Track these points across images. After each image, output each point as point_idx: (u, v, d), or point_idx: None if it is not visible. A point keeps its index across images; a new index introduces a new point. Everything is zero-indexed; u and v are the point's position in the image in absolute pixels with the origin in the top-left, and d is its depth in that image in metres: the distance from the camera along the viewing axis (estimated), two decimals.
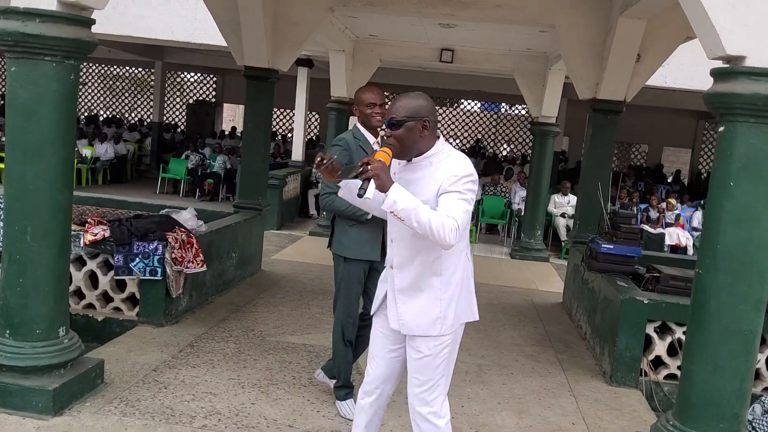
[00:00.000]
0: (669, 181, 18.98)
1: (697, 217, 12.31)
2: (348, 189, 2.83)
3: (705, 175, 20.87)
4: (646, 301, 4.89)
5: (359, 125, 3.95)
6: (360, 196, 2.53)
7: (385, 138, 2.76)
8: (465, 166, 2.69)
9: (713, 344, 3.31)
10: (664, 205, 12.01)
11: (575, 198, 12.73)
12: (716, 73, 3.27)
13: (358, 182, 2.59)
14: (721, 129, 3.29)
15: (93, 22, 3.69)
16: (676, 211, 12.13)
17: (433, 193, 2.66)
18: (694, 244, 11.66)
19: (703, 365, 3.36)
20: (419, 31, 9.62)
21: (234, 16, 6.86)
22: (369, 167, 2.52)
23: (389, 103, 2.80)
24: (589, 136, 7.06)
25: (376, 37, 10.69)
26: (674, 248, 11.47)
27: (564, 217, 12.43)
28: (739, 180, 3.19)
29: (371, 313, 3.03)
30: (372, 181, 2.52)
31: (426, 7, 6.87)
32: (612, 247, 5.59)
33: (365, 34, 10.51)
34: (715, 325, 3.30)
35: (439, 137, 2.80)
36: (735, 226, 3.22)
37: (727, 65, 3.25)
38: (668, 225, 12.01)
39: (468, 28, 8.82)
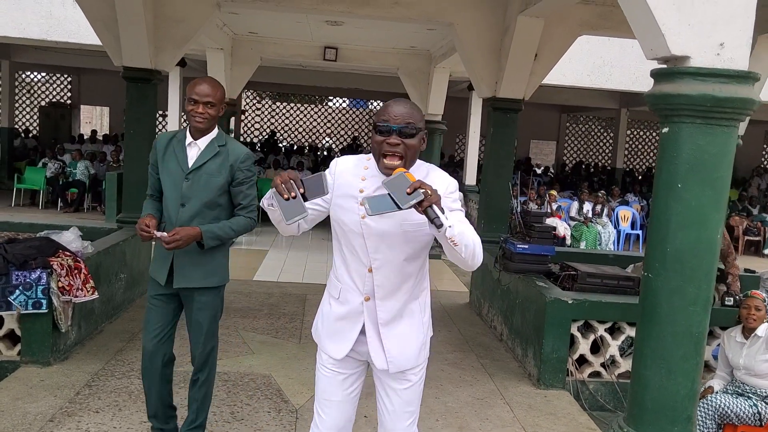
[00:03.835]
0: (539, 173, 19.77)
1: (574, 208, 12.86)
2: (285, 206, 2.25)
3: (569, 166, 21.98)
4: (570, 302, 4.87)
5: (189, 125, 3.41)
6: (440, 226, 2.10)
7: (392, 145, 2.33)
8: (451, 179, 2.46)
9: (666, 348, 3.27)
10: (539, 196, 12.37)
11: (461, 194, 12.95)
12: (660, 74, 3.22)
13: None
14: (665, 130, 3.24)
15: None
16: (557, 203, 12.58)
17: None
18: (572, 234, 12.18)
19: (656, 369, 3.31)
20: (304, 29, 9.29)
21: (109, 13, 6.21)
22: (428, 191, 2.11)
23: (386, 107, 2.39)
24: (490, 134, 7.04)
25: (257, 35, 10.25)
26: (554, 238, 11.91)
27: None
28: (686, 182, 3.16)
29: (338, 358, 2.53)
30: (435, 206, 2.12)
31: (321, 4, 6.56)
32: (527, 247, 5.56)
33: (245, 31, 10.04)
34: (667, 328, 3.26)
35: None
36: (684, 228, 3.18)
37: (669, 66, 3.20)
38: (548, 215, 12.46)
39: (356, 25, 8.61)
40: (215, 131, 3.35)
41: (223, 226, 3.32)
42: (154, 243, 3.42)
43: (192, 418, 3.50)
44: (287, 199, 2.16)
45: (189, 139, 3.32)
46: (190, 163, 3.31)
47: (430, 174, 2.45)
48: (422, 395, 2.65)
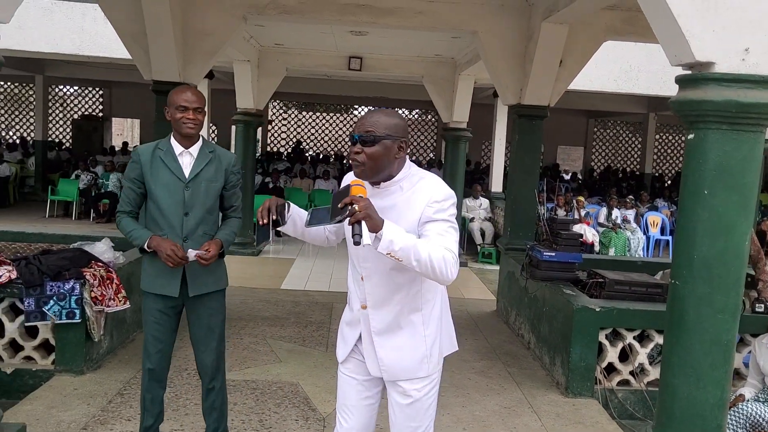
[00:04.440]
0: (567, 179, 19.62)
1: (603, 214, 12.74)
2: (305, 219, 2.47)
3: (597, 171, 21.79)
4: (598, 309, 4.84)
5: (172, 134, 3.40)
6: (357, 243, 2.17)
7: (353, 155, 2.40)
8: (443, 188, 2.40)
9: (695, 356, 3.24)
10: (574, 203, 12.28)
11: (487, 201, 12.92)
12: (684, 80, 3.20)
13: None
14: (690, 136, 3.22)
15: None
16: (585, 209, 12.47)
17: (412, 222, 2.36)
18: (600, 241, 12.06)
19: (684, 378, 3.28)
20: (328, 39, 9.36)
21: (139, 27, 6.32)
22: (356, 206, 2.16)
23: (360, 118, 2.46)
24: (515, 141, 7.03)
25: (282, 46, 10.35)
26: (582, 245, 11.80)
27: (473, 221, 12.51)
28: (713, 188, 3.13)
29: (339, 360, 2.66)
30: (364, 223, 2.18)
31: (346, 15, 6.62)
32: (554, 254, 5.53)
33: (271, 42, 10.14)
34: (695, 336, 3.23)
35: (407, 159, 2.50)
36: (711, 235, 3.15)
37: (694, 72, 3.19)
38: (575, 222, 12.35)
39: (380, 35, 8.66)
40: (200, 138, 3.41)
41: (229, 233, 3.43)
42: (145, 260, 3.43)
43: (215, 427, 3.56)
44: (262, 225, 2.38)
45: (179, 148, 3.34)
46: (186, 171, 3.33)
47: (419, 183, 2.42)
48: (447, 405, 2.65)
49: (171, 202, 3.32)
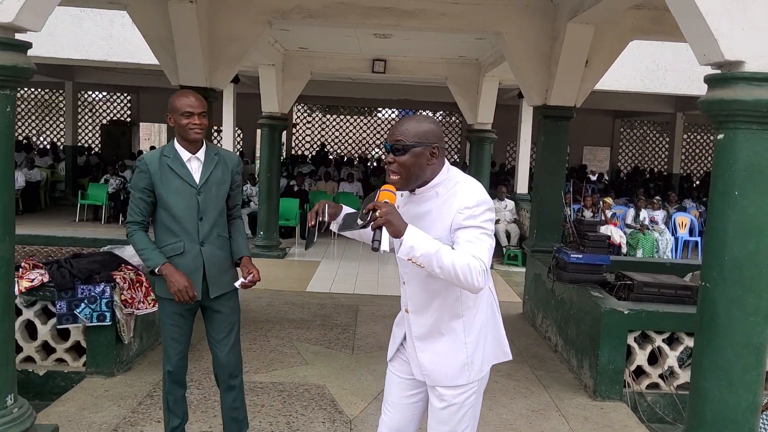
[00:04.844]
0: (593, 179, 19.45)
1: (630, 215, 12.60)
2: (346, 224, 2.53)
3: (624, 172, 21.58)
4: (626, 312, 4.79)
5: (176, 140, 3.39)
6: (375, 249, 2.20)
7: (386, 165, 2.44)
8: (477, 193, 2.38)
9: (726, 359, 3.20)
10: (601, 204, 12.18)
11: (512, 203, 12.85)
12: (713, 79, 3.16)
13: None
14: (720, 136, 3.18)
15: (29, 45, 3.25)
16: (612, 210, 12.35)
17: (445, 228, 2.36)
18: (627, 242, 11.93)
19: (715, 381, 3.24)
20: (352, 42, 9.40)
21: (166, 34, 6.40)
22: (377, 213, 2.20)
23: (392, 126, 2.48)
24: (541, 142, 6.99)
25: (307, 50, 10.41)
26: (609, 246, 11.68)
27: (499, 222, 12.45)
28: (743, 189, 3.09)
29: (388, 358, 2.71)
30: (384, 228, 2.21)
31: (369, 18, 6.64)
32: (581, 256, 5.49)
33: (295, 46, 10.21)
34: (727, 339, 3.19)
35: (444, 163, 2.49)
36: (742, 237, 3.11)
37: (723, 71, 3.14)
38: (602, 223, 12.22)
39: (404, 37, 8.67)
40: (204, 142, 3.43)
41: (244, 239, 3.57)
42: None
43: (239, 426, 3.63)
44: (311, 227, 2.41)
45: (186, 154, 3.35)
46: (197, 177, 3.36)
47: (455, 188, 2.41)
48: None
49: (185, 209, 3.33)
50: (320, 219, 2.41)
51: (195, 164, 3.37)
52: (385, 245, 2.21)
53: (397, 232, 2.21)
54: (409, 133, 2.39)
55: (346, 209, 2.55)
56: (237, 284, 3.38)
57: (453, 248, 2.30)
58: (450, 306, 2.47)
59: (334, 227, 2.55)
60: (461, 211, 2.33)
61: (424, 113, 22.92)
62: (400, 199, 2.54)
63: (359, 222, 2.29)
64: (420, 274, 2.45)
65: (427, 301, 2.49)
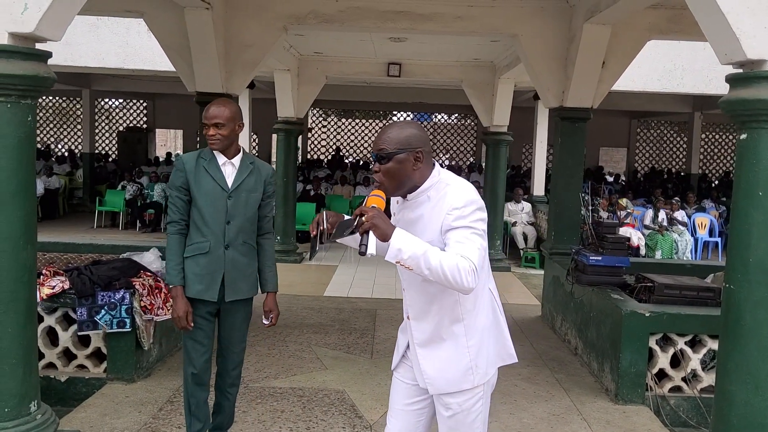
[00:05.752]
0: (610, 181, 19.32)
1: (648, 216, 12.49)
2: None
3: (641, 173, 21.41)
4: (647, 314, 4.74)
5: None
6: (362, 253, 2.22)
7: (374, 173, 2.47)
8: (466, 194, 2.36)
9: (752, 362, 3.14)
10: (610, 205, 12.07)
11: (529, 205, 12.79)
12: (735, 79, 3.12)
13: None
14: (743, 136, 3.13)
15: (49, 55, 3.29)
16: (628, 211, 12.25)
17: (436, 231, 2.35)
18: (646, 244, 11.82)
19: (742, 385, 3.18)
20: (367, 47, 9.40)
21: (182, 41, 6.44)
22: (363, 218, 2.23)
23: (376, 135, 2.50)
24: (557, 144, 6.95)
25: (322, 54, 10.43)
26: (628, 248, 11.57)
27: (515, 225, 12.39)
28: None
29: (392, 367, 2.69)
30: (371, 233, 2.23)
31: (385, 22, 6.64)
32: (600, 258, 5.44)
33: (310, 51, 10.24)
34: (752, 342, 3.13)
35: (434, 166, 2.49)
36: (766, 237, 3.06)
37: (745, 70, 3.10)
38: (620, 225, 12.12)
39: (419, 41, 8.66)
40: (241, 150, 3.49)
41: (274, 270, 3.63)
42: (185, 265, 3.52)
43: (228, 420, 3.71)
44: (313, 237, 2.42)
45: (222, 158, 3.42)
46: (229, 181, 3.42)
47: (445, 190, 2.40)
48: (494, 413, 2.61)
49: (213, 211, 3.39)
50: (321, 228, 2.42)
51: (229, 169, 3.43)
52: (371, 249, 2.24)
53: (383, 236, 2.22)
54: (392, 140, 2.41)
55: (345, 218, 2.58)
56: (265, 322, 3.55)
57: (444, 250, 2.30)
58: (449, 310, 2.45)
59: (348, 238, 2.53)
60: (450, 212, 2.33)
61: (440, 116, 22.92)
62: (396, 205, 2.61)
63: (349, 229, 2.31)
64: (416, 280, 2.44)
65: (426, 305, 2.47)
